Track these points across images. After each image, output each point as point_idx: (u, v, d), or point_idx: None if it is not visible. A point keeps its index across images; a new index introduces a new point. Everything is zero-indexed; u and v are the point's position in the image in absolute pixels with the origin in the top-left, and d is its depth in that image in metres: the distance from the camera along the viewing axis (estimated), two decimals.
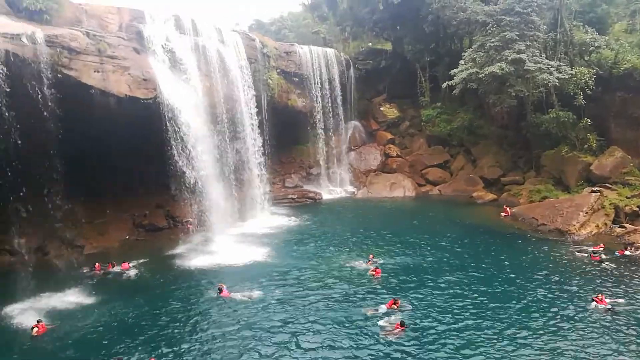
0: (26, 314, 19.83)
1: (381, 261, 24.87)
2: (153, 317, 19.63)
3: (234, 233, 31.71)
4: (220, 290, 21.33)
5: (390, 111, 54.30)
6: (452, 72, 41.27)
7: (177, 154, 27.71)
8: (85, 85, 24.29)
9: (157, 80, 27.47)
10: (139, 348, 16.94)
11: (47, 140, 22.48)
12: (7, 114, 20.58)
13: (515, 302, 19.96)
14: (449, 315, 18.76)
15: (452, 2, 44.06)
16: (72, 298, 21.75)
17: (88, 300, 21.58)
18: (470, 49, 41.30)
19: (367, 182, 47.85)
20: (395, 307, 19.10)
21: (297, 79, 44.84)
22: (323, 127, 48.13)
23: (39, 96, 21.90)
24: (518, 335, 16.95)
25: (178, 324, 18.92)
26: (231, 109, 34.13)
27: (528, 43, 36.90)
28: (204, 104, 30.58)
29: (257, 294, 21.38)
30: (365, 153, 51.50)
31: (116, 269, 25.61)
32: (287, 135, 46.10)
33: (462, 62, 40.39)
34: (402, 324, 17.44)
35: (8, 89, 20.36)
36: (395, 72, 54.82)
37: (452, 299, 20.32)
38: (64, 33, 23.50)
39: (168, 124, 27.33)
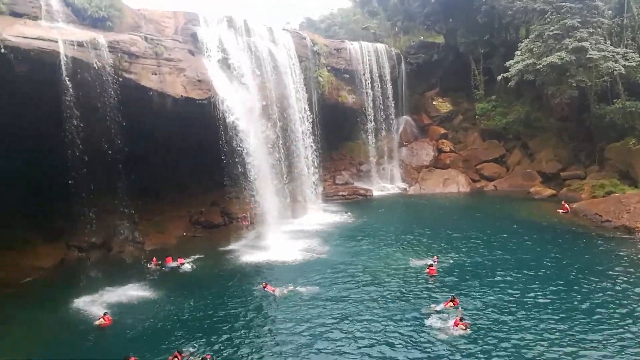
0: (93, 307, 20.89)
1: (437, 259, 24.38)
2: (208, 311, 20.17)
3: (286, 230, 32.06)
4: (264, 286, 21.74)
5: (443, 105, 53.21)
6: (507, 63, 39.95)
7: (230, 153, 28.30)
8: (144, 87, 25.26)
9: (211, 80, 28.19)
10: (195, 341, 17.45)
11: (110, 141, 23.57)
12: (74, 118, 21.73)
13: (579, 302, 19.04)
14: (508, 315, 18.17)
15: None
16: (133, 292, 22.72)
17: (148, 294, 22.48)
18: (527, 39, 39.78)
19: (419, 178, 47.10)
20: (453, 305, 18.67)
21: (347, 76, 44.73)
22: (374, 123, 47.81)
23: (102, 99, 22.99)
24: (583, 338, 16.15)
25: (232, 318, 19.36)
26: (282, 107, 34.53)
27: (591, 30, 35.11)
28: (256, 103, 31.06)
29: (307, 289, 21.54)
30: (417, 148, 50.71)
31: (173, 263, 26.53)
32: (338, 131, 46.14)
33: (518, 52, 39.01)
34: (461, 320, 17.04)
35: (74, 93, 21.47)
36: (448, 65, 53.63)
37: (510, 298, 19.65)
38: (125, 38, 24.54)
39: (222, 123, 27.95)
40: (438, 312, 18.57)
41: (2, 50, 19.00)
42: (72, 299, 21.63)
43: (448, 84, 54.00)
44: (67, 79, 21.26)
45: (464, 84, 51.77)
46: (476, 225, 31.65)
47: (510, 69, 39.10)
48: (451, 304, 18.72)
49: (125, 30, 25.68)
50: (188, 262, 26.65)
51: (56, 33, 21.47)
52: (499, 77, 42.06)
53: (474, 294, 20.29)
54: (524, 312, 18.33)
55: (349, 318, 18.56)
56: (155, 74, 25.95)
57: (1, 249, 26.15)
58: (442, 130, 51.56)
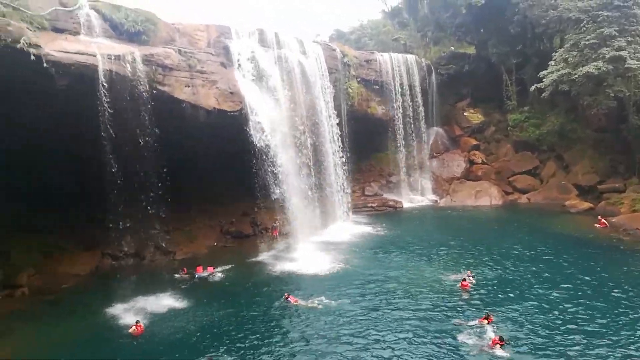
0: (126, 315, 21.24)
1: (471, 274, 23.76)
2: (237, 321, 20.29)
3: (315, 241, 32.05)
4: (287, 297, 21.75)
5: (474, 116, 52.49)
6: (541, 74, 39.16)
7: (260, 163, 28.51)
8: (177, 99, 25.73)
9: (242, 93, 28.52)
10: (223, 351, 17.54)
11: (143, 152, 24.05)
12: (109, 129, 22.29)
13: (620, 320, 18.33)
14: (543, 331, 17.63)
15: (540, 0, 41.81)
16: (164, 301, 22.98)
17: (178, 303, 22.72)
18: (562, 49, 38.96)
19: (450, 190, 46.44)
20: (487, 322, 18.15)
21: (377, 87, 44.66)
22: (403, 134, 47.45)
23: (137, 111, 23.51)
24: (630, 356, 15.49)
25: (260, 329, 19.39)
26: (312, 118, 34.67)
27: (630, 39, 34.15)
28: (286, 115, 31.28)
29: (335, 301, 21.39)
30: (448, 160, 50.08)
31: (204, 273, 26.79)
32: (367, 143, 45.99)
33: (552, 62, 38.22)
34: (501, 339, 16.55)
35: (110, 105, 22.05)
36: (480, 75, 52.92)
37: (546, 315, 19.09)
38: (159, 52, 25.10)
39: (252, 135, 28.20)
40: (471, 327, 18.17)
41: (45, 65, 19.67)
42: (106, 307, 22.06)
43: (479, 94, 53.30)
44: (104, 91, 21.84)
45: (496, 94, 50.99)
46: (510, 239, 30.90)
47: (544, 80, 38.29)
48: (485, 320, 18.25)
49: (160, 44, 26.24)
50: (218, 272, 26.90)
51: (95, 47, 22.12)
52: (532, 88, 41.26)
53: (509, 310, 19.78)
54: (562, 330, 17.76)
55: (378, 332, 18.35)
56: (188, 86, 26.40)
57: (41, 256, 27.04)
58: (474, 142, 50.80)
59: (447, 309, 20.28)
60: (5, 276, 25.15)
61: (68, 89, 21.12)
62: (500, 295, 21.59)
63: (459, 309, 20.27)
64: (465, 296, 21.61)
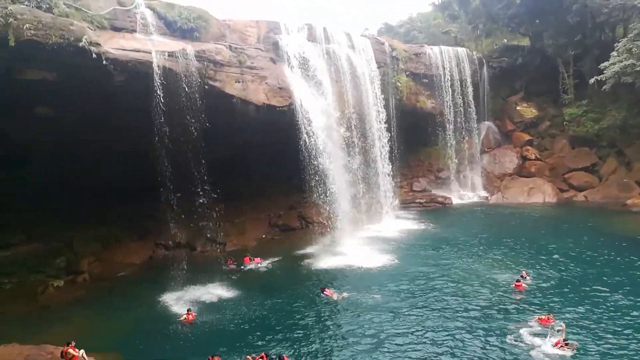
0: (178, 303, 22.00)
1: (527, 274, 22.89)
2: (281, 313, 20.65)
3: (361, 236, 32.00)
4: (323, 290, 21.97)
5: (527, 110, 50.61)
6: (601, 65, 37.39)
7: (308, 158, 28.66)
8: (228, 94, 26.21)
9: (291, 88, 28.74)
10: (269, 342, 17.86)
11: (195, 146, 24.69)
12: (163, 124, 23.01)
13: None
14: (609, 336, 16.82)
15: None
16: (214, 291, 23.71)
17: (227, 293, 23.37)
18: (625, 39, 36.97)
19: (502, 186, 45.09)
20: (549, 322, 17.45)
21: (426, 80, 43.88)
22: (453, 129, 46.47)
23: (189, 106, 24.12)
24: None
25: (303, 322, 19.64)
26: (360, 113, 34.52)
27: None
28: (334, 109, 31.29)
29: (381, 297, 21.32)
30: (499, 155, 48.59)
31: (251, 264, 27.34)
32: (416, 137, 45.31)
33: (614, 53, 36.38)
34: (565, 341, 15.91)
35: (163, 101, 22.75)
36: (534, 68, 50.99)
37: (608, 318, 18.20)
38: (210, 48, 25.63)
39: (301, 130, 28.38)
40: (530, 328, 17.51)
41: (104, 62, 20.52)
42: (159, 295, 22.98)
43: (533, 88, 51.34)
44: (158, 87, 22.52)
45: (551, 88, 48.96)
46: (566, 239, 29.64)
47: (604, 71, 36.53)
48: (545, 321, 17.52)
49: (211, 40, 26.81)
50: (265, 263, 27.53)
51: (150, 45, 22.85)
52: (592, 81, 39.43)
53: (570, 313, 18.95)
54: (625, 333, 16.87)
55: (426, 329, 18.10)
56: (239, 82, 26.83)
57: (100, 246, 28.42)
58: (527, 137, 49.03)
59: (500, 308, 19.70)
60: (68, 263, 26.70)
61: (125, 85, 21.93)
62: (558, 297, 20.66)
63: (513, 309, 19.65)
64: (520, 296, 20.91)
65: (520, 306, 19.84)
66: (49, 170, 25.30)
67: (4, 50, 18.26)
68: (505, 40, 56.92)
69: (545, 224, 35.19)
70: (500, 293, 21.30)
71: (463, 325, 18.20)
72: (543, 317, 17.88)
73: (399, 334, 17.83)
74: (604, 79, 36.93)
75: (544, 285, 22.13)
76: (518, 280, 21.78)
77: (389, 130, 37.82)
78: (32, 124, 22.58)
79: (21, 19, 18.20)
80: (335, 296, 21.74)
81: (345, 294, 21.81)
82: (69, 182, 26.67)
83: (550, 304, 19.85)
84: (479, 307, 19.82)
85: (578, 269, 23.97)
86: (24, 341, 17.20)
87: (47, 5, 19.77)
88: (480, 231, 32.90)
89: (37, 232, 26.77)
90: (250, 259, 27.92)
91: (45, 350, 16.58)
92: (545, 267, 24.52)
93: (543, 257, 26.15)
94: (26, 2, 19.07)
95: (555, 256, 26.29)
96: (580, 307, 19.42)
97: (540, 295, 20.99)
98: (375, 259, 27.00)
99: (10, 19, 17.89)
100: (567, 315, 18.66)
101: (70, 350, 15.80)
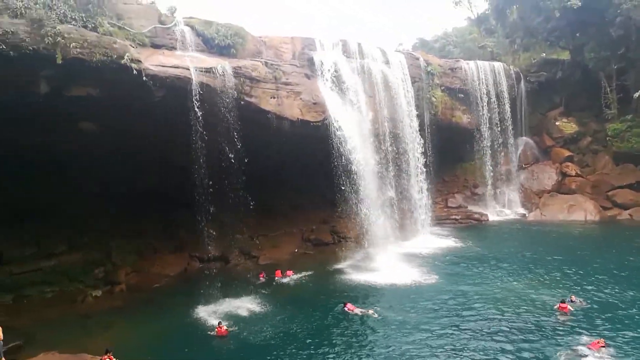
0: (211, 316, 22.17)
1: (575, 298, 21.56)
2: (313, 329, 20.47)
3: (395, 252, 31.50)
4: (345, 305, 21.85)
5: (567, 126, 49.22)
6: None
7: (341, 173, 28.65)
8: (263, 110, 26.60)
9: (325, 103, 28.94)
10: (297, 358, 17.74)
11: (230, 160, 25.07)
12: (200, 138, 23.47)
13: None
14: None
15: None
16: (247, 304, 23.75)
17: (259, 308, 23.38)
18: None
19: (540, 203, 43.82)
20: (598, 347, 16.52)
21: (462, 95, 43.37)
22: (490, 144, 45.63)
23: (225, 121, 24.54)
24: None
25: (336, 338, 19.37)
26: (394, 128, 34.37)
27: None
28: (369, 125, 31.30)
29: (415, 315, 20.91)
30: (538, 172, 47.31)
31: (285, 278, 27.41)
32: (451, 153, 44.72)
33: None
34: None
35: (201, 116, 23.25)
36: (574, 82, 49.69)
37: None
38: (247, 64, 26.15)
39: (334, 145, 28.42)
40: (578, 352, 16.66)
41: (144, 79, 21.21)
42: (193, 307, 23.21)
43: (574, 103, 49.98)
44: (196, 102, 23.04)
45: (592, 102, 47.52)
46: (612, 259, 28.16)
47: None
48: (598, 346, 16.60)
49: (248, 56, 27.36)
50: (298, 277, 27.61)
51: (188, 61, 23.47)
52: (636, 95, 38.08)
53: (614, 336, 17.89)
54: None
55: (463, 351, 17.45)
56: (274, 97, 27.21)
57: (136, 257, 29.08)
58: (567, 153, 47.58)
59: (543, 331, 18.68)
60: (106, 273, 27.42)
61: (164, 100, 22.58)
62: (604, 321, 19.43)
63: (557, 332, 18.59)
64: (564, 318, 19.81)
65: (565, 329, 18.82)
66: (90, 183, 26.22)
67: (52, 68, 19.17)
68: (544, 54, 55.72)
69: (588, 243, 33.78)
70: (543, 314, 20.30)
71: (502, 348, 17.46)
72: (593, 341, 16.98)
73: (432, 355, 17.34)
74: None
75: (589, 307, 21.00)
76: (563, 302, 20.64)
77: (423, 145, 37.48)
78: (76, 138, 23.47)
79: (68, 37, 19.13)
80: (358, 311, 21.53)
81: (370, 310, 21.51)
82: (110, 194, 27.50)
83: (597, 328, 18.81)
84: (520, 329, 18.95)
85: (625, 291, 22.67)
86: (64, 347, 17.69)
87: (93, 25, 20.72)
88: (518, 249, 31.83)
89: (78, 243, 27.63)
90: (281, 272, 28.00)
91: (83, 359, 17.00)
92: (590, 289, 23.32)
93: (587, 278, 24.94)
94: (73, 22, 20.00)
95: (600, 277, 25.01)
96: (628, 332, 18.33)
97: (585, 318, 19.85)
98: (409, 276, 26.52)
99: (59, 38, 18.82)
100: (616, 340, 17.63)
101: None
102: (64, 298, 25.14)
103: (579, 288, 23.47)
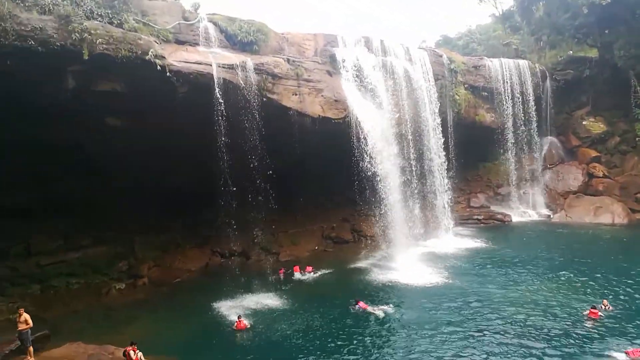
0: (231, 311, 22.34)
1: (607, 304, 20.66)
2: (331, 326, 20.46)
3: (416, 252, 31.24)
4: (357, 302, 21.88)
5: (595, 125, 48.04)
6: None
7: (363, 170, 28.51)
8: (285, 107, 26.64)
9: (347, 100, 28.84)
10: (312, 353, 17.83)
11: (253, 157, 25.19)
12: (223, 135, 23.63)
13: None
14: None
15: None
16: (266, 300, 23.93)
17: (279, 303, 23.52)
18: None
19: (566, 204, 42.92)
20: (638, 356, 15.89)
21: (485, 94, 42.74)
22: (514, 144, 44.87)
23: (247, 117, 24.67)
24: None
25: (353, 336, 19.32)
26: (417, 126, 34.08)
27: None
28: (391, 122, 31.03)
29: (432, 316, 20.67)
30: (563, 172, 46.31)
31: (305, 275, 27.63)
32: (474, 152, 44.08)
33: None
34: None
35: (223, 112, 23.39)
36: (602, 81, 48.42)
37: None
38: (269, 61, 26.20)
39: (356, 142, 28.32)
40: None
41: (168, 74, 21.44)
42: (214, 302, 23.49)
43: (601, 102, 48.67)
44: (218, 98, 23.22)
45: (622, 102, 46.20)
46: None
47: None
48: (638, 353, 16.01)
49: (270, 53, 27.43)
50: (317, 274, 27.78)
51: (211, 57, 23.67)
52: None
53: None
54: None
55: (487, 357, 16.95)
56: (296, 94, 27.21)
57: (159, 251, 29.48)
58: (594, 153, 46.43)
59: (573, 337, 17.96)
60: (130, 267, 27.87)
61: (187, 96, 22.78)
62: (637, 328, 18.66)
63: (588, 338, 17.86)
64: (594, 325, 19.08)
65: (596, 336, 18.09)
66: (122, 178, 26.61)
67: (79, 64, 19.52)
68: (571, 51, 54.48)
69: (616, 246, 32.74)
70: (571, 320, 19.59)
71: (529, 353, 16.86)
72: (634, 349, 16.37)
73: (454, 357, 17.03)
74: None
75: (621, 314, 20.11)
76: (594, 307, 19.90)
77: (446, 143, 37.07)
78: (104, 134, 23.82)
79: (95, 34, 19.46)
80: (369, 309, 21.51)
81: (382, 308, 21.51)
82: (140, 190, 27.87)
83: (629, 335, 18.04)
84: (547, 334, 18.25)
85: None
86: (88, 339, 18.03)
87: (118, 21, 21.05)
88: (543, 251, 31.08)
89: (104, 237, 28.09)
90: (300, 268, 28.07)
91: (107, 350, 17.31)
92: (621, 294, 22.41)
93: (617, 283, 23.95)
94: (99, 19, 20.34)
95: (630, 281, 24.06)
96: None
97: (617, 324, 19.00)
98: (429, 276, 26.27)
99: (85, 34, 19.15)
100: None
101: (131, 352, 16.35)
102: (89, 290, 25.70)
103: (608, 292, 22.66)
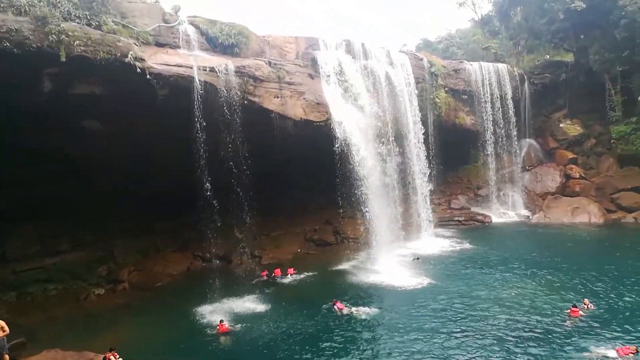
0: (213, 315, 22.16)
1: (589, 303, 20.98)
2: (313, 328, 20.42)
3: (398, 253, 31.40)
4: (334, 303, 22.04)
5: (571, 128, 49.06)
6: None
7: (345, 173, 28.58)
8: (266, 110, 26.58)
9: (328, 103, 28.90)
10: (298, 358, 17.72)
11: (233, 160, 25.07)
12: (203, 138, 23.46)
13: None
14: None
15: None
16: (248, 304, 23.82)
17: (261, 307, 23.41)
18: None
19: (544, 205, 43.64)
20: (633, 354, 16.07)
21: (465, 97, 43.34)
22: (493, 146, 45.52)
23: (228, 120, 24.51)
24: None
25: (335, 338, 19.28)
26: (398, 129, 34.30)
27: None
28: (372, 125, 31.20)
29: (414, 319, 20.77)
30: (541, 174, 47.17)
31: (285, 277, 27.65)
32: (454, 154, 44.65)
33: None
34: None
35: (203, 115, 23.23)
36: (578, 85, 49.52)
37: None
38: (250, 63, 26.12)
39: (337, 145, 28.35)
40: (606, 357, 16.28)
41: (147, 77, 21.24)
42: (196, 306, 23.25)
43: (577, 105, 49.75)
44: (199, 101, 23.03)
45: (597, 105, 47.28)
46: (620, 264, 27.52)
47: None
48: (630, 353, 16.14)
49: (251, 56, 27.37)
50: (300, 278, 27.63)
51: (192, 60, 23.50)
52: None
53: (630, 341, 17.40)
54: None
55: (467, 356, 17.11)
56: (277, 97, 27.18)
57: (140, 255, 29.14)
58: (571, 155, 47.42)
59: (554, 336, 18.19)
60: (109, 272, 27.48)
61: (167, 98, 22.58)
62: (618, 326, 18.91)
63: (572, 337, 18.07)
64: (576, 324, 19.30)
65: (578, 334, 18.35)
66: (98, 181, 26.23)
67: (56, 66, 19.21)
68: (548, 56, 55.63)
69: (594, 245, 33.54)
70: (552, 318, 19.85)
71: (511, 351, 17.07)
72: (624, 346, 16.57)
73: (435, 358, 17.15)
74: None
75: (602, 313, 20.35)
76: (575, 306, 20.23)
77: (427, 146, 37.42)
78: (83, 137, 23.44)
79: (72, 35, 19.18)
80: (346, 310, 21.72)
81: (360, 309, 21.72)
82: (116, 192, 27.52)
83: (609, 332, 18.38)
84: (529, 333, 18.46)
85: (635, 296, 22.21)
86: (67, 346, 17.70)
87: (97, 23, 20.78)
88: (523, 252, 31.53)
89: (83, 241, 27.69)
90: (281, 271, 28.16)
91: (86, 357, 17.03)
92: (600, 293, 22.82)
93: (595, 282, 24.39)
94: (77, 20, 20.06)
95: (609, 281, 24.46)
96: None
97: (596, 323, 19.26)
98: (412, 278, 26.38)
99: (63, 36, 18.86)
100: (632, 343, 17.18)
101: (111, 358, 16.10)
102: (68, 296, 25.25)
103: (587, 291, 23.08)
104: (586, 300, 21.12)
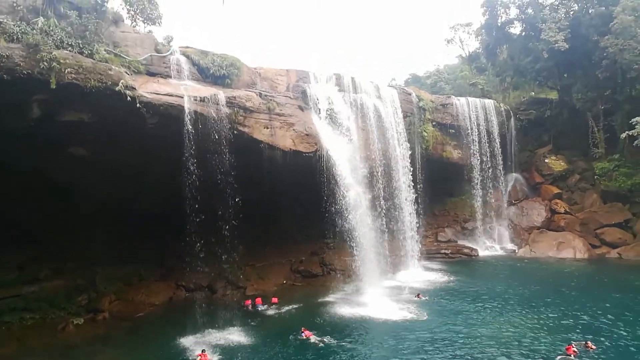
0: (196, 347, 21.57)
1: (590, 344, 20.32)
2: None
3: (385, 285, 31.23)
4: (303, 331, 22.25)
5: (556, 163, 49.92)
6: (633, 120, 36.84)
7: (332, 204, 28.61)
8: (256, 140, 26.74)
9: (318, 135, 29.20)
10: None
11: (221, 189, 24.98)
12: (192, 166, 23.45)
13: None
14: None
15: (632, 44, 39.78)
16: (232, 336, 23.27)
17: (245, 339, 22.89)
18: None
19: (530, 239, 43.96)
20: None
21: (453, 131, 44.05)
22: (480, 180, 46.08)
23: (218, 150, 24.56)
24: None
25: None
26: (386, 161, 34.60)
27: None
28: (360, 157, 31.47)
29: (404, 353, 20.49)
30: (527, 208, 47.65)
31: (271, 310, 27.19)
32: (442, 187, 45.07)
33: None
34: None
35: (193, 144, 23.26)
36: (562, 121, 50.76)
37: None
38: (241, 94, 26.38)
39: (326, 176, 28.51)
40: None
41: (138, 105, 21.31)
42: (178, 337, 22.71)
43: (562, 141, 50.87)
44: (189, 130, 23.09)
45: (580, 141, 48.38)
46: (609, 300, 27.30)
47: (636, 127, 35.93)
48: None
49: (242, 87, 27.67)
50: (285, 310, 27.29)
51: (183, 90, 23.68)
52: (623, 135, 38.83)
53: None
54: None
55: None
56: (267, 128, 27.37)
57: (121, 284, 28.56)
58: (556, 190, 48.09)
59: None
60: (89, 300, 26.83)
61: (157, 127, 22.63)
62: None
63: None
64: None
65: None
66: (81, 204, 25.90)
67: (45, 93, 19.23)
68: (533, 93, 57.14)
69: (581, 281, 33.05)
70: (543, 357, 19.42)
71: None
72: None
73: None
74: (635, 134, 36.32)
75: (597, 352, 19.87)
76: (570, 344, 19.69)
77: (414, 179, 37.70)
78: (68, 163, 23.29)
79: (64, 63, 19.28)
80: (312, 338, 21.86)
81: (325, 338, 21.91)
82: (99, 218, 27.16)
83: None
84: None
85: (625, 333, 22.02)
86: None
87: (89, 51, 20.94)
88: (510, 286, 31.32)
89: (63, 268, 27.10)
90: (261, 300, 28.02)
91: None
92: (591, 330, 22.46)
93: (585, 319, 24.15)
94: (69, 48, 20.20)
95: (601, 318, 24.25)
96: None
97: None
98: (398, 311, 26.14)
99: (54, 63, 18.94)
100: None
101: None
102: (45, 326, 24.46)
103: (582, 328, 22.75)
104: (589, 343, 20.34)
